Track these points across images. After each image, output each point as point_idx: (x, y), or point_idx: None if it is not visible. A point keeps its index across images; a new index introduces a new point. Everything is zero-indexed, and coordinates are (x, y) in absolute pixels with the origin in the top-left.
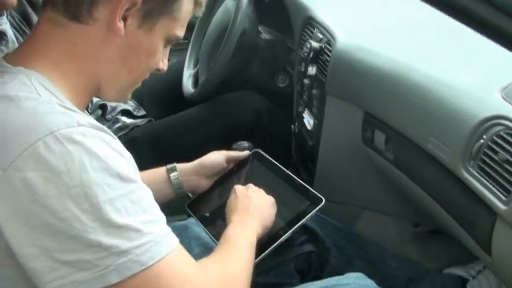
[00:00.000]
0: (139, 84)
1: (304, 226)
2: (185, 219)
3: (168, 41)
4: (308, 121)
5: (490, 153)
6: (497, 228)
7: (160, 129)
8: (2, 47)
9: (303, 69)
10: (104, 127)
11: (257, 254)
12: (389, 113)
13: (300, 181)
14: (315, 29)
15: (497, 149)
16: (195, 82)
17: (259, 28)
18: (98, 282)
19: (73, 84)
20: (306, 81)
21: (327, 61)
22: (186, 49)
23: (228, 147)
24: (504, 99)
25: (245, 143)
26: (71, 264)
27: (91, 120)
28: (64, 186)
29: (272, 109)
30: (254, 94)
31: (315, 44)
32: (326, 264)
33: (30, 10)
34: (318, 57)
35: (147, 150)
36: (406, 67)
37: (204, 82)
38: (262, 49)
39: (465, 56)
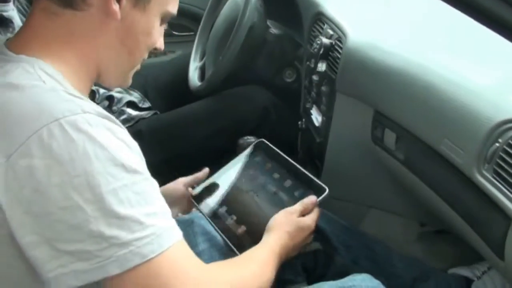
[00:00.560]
0: (139, 67)
1: None
2: (190, 213)
3: (162, 18)
4: (316, 117)
5: (506, 157)
6: (511, 232)
7: (165, 122)
8: (9, 34)
9: (312, 65)
10: (110, 115)
11: (258, 241)
12: (401, 113)
13: (304, 171)
14: (325, 25)
15: None
16: (202, 75)
17: (268, 23)
18: (99, 273)
19: (75, 70)
20: (315, 77)
21: (338, 58)
22: (191, 41)
23: (234, 142)
24: None
25: (251, 138)
26: (72, 253)
27: (96, 107)
28: (67, 175)
29: (279, 104)
30: (261, 89)
31: (325, 41)
32: (332, 262)
33: None
34: (328, 53)
35: (152, 143)
36: (419, 67)
37: (211, 75)
38: (270, 43)
39: (480, 57)
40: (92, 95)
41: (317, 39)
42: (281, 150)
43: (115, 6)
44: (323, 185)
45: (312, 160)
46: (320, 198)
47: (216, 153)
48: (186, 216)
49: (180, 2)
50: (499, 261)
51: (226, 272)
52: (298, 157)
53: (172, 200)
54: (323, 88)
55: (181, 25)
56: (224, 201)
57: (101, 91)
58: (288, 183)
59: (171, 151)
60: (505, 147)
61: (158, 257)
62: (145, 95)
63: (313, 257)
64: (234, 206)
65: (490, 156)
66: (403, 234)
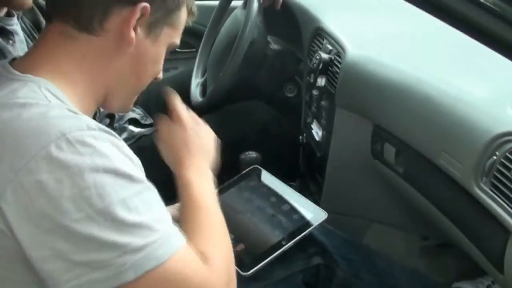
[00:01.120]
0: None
1: (312, 239)
2: None
3: (168, 49)
4: (317, 132)
5: (503, 170)
6: (510, 246)
7: None
8: (8, 46)
9: (312, 80)
10: (113, 132)
11: (257, 263)
12: (400, 127)
13: (303, 196)
14: (325, 40)
15: (510, 166)
16: (203, 91)
17: (268, 38)
18: (115, 280)
19: (81, 92)
20: (315, 92)
21: (337, 72)
22: (193, 58)
23: (235, 158)
24: None
25: (252, 154)
26: (86, 264)
27: (100, 125)
28: (77, 187)
29: (279, 119)
30: (262, 104)
31: (324, 56)
32: (334, 277)
33: (41, 19)
34: (327, 68)
35: (155, 160)
36: (418, 81)
37: (212, 91)
38: (271, 59)
39: (478, 71)
40: (93, 113)
41: (316, 54)
42: (282, 165)
43: (132, 34)
44: (322, 210)
45: (313, 174)
46: (319, 222)
47: (219, 166)
48: None
49: None
50: (499, 274)
51: (216, 251)
52: (299, 172)
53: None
54: (323, 103)
55: (183, 42)
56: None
57: (102, 109)
58: (286, 207)
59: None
60: (502, 160)
61: (170, 258)
62: (148, 111)
63: (315, 272)
64: (231, 225)
65: (488, 169)
66: (406, 248)
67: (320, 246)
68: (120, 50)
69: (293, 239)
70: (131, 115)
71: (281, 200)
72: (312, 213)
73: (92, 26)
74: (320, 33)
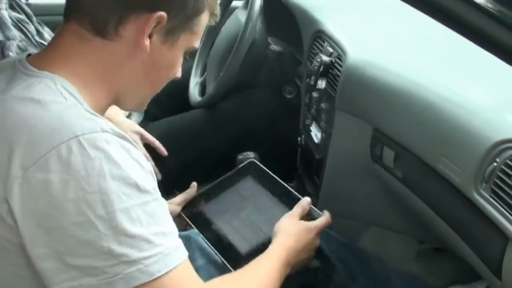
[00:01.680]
0: (154, 94)
1: None
2: (187, 230)
3: (185, 52)
4: (316, 134)
5: (503, 177)
6: (509, 252)
7: (165, 133)
8: None
9: (312, 83)
10: (126, 135)
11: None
12: (399, 131)
13: (299, 195)
14: (325, 43)
15: (511, 173)
16: (202, 91)
17: (268, 39)
18: None
19: (94, 93)
20: (315, 94)
21: (337, 75)
22: (192, 57)
23: (233, 157)
24: None
25: (250, 154)
26: (81, 268)
27: (114, 127)
28: (82, 191)
29: (278, 120)
30: (261, 105)
31: (325, 58)
32: (330, 280)
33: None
34: (328, 71)
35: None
36: (418, 86)
37: (212, 91)
38: (271, 60)
39: (479, 76)
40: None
41: (317, 56)
42: (280, 166)
43: (147, 42)
44: (319, 212)
45: (311, 176)
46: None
47: (217, 165)
48: (184, 233)
49: None
50: (497, 280)
51: None
52: (297, 173)
53: None
54: (323, 105)
55: None
56: (217, 217)
57: None
58: (280, 205)
59: (172, 164)
60: (502, 167)
61: (164, 276)
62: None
63: (312, 275)
64: (227, 222)
65: (488, 176)
66: (402, 251)
67: (317, 249)
68: (134, 56)
69: None
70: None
71: (275, 198)
72: (309, 215)
73: (107, 31)
74: (320, 36)
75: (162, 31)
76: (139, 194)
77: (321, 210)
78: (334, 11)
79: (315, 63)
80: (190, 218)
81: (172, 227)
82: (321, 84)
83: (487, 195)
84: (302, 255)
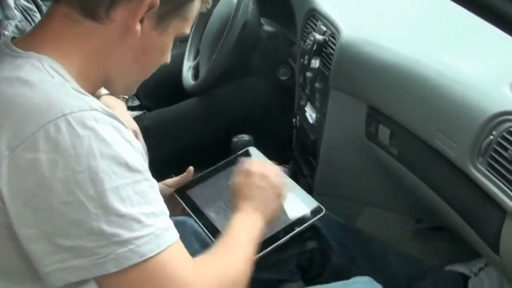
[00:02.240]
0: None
1: None
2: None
3: (176, 38)
4: (310, 114)
5: (500, 150)
6: (506, 227)
7: (164, 120)
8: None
9: (306, 62)
10: (115, 114)
11: None
12: (395, 108)
13: (300, 188)
14: (319, 22)
15: (507, 145)
16: (196, 74)
17: (261, 20)
18: (96, 270)
19: (82, 73)
20: (308, 74)
21: (331, 54)
22: (184, 41)
23: (228, 141)
24: None
25: (245, 137)
26: (70, 249)
27: (103, 105)
28: (71, 170)
29: (273, 102)
30: (255, 86)
31: (318, 37)
32: (328, 261)
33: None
34: (321, 50)
35: (152, 141)
36: (413, 61)
37: (205, 74)
38: (264, 41)
39: (474, 50)
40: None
41: (310, 35)
42: (275, 147)
43: (138, 26)
44: (320, 204)
45: (306, 157)
46: (316, 217)
47: (213, 150)
48: (179, 218)
49: None
50: (495, 256)
51: (217, 269)
52: (293, 154)
53: None
54: (317, 85)
55: None
56: (212, 202)
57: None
58: None
59: (169, 149)
60: (499, 139)
61: (155, 257)
62: (136, 94)
63: (309, 256)
64: (221, 206)
65: (484, 149)
66: (399, 231)
67: (315, 230)
68: (125, 40)
69: (289, 233)
70: None
71: None
72: (309, 207)
73: (98, 14)
74: (313, 14)
75: (154, 16)
76: (130, 173)
77: (317, 190)
78: None
79: (308, 42)
80: (183, 200)
81: (163, 208)
82: (315, 63)
83: (483, 169)
84: (271, 203)
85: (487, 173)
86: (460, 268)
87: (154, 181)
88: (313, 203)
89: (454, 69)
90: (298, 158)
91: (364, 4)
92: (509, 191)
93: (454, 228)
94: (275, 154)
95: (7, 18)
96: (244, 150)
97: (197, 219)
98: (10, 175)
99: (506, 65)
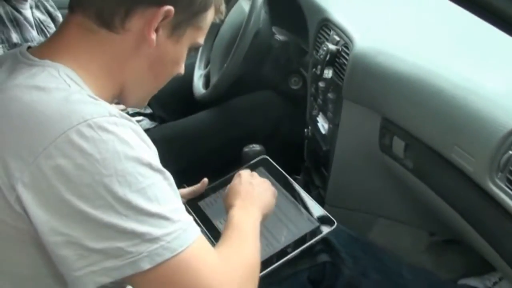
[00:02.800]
0: (157, 90)
1: None
2: None
3: (190, 48)
4: (323, 125)
5: None
6: None
7: (176, 132)
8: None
9: (318, 72)
10: (132, 119)
11: (262, 269)
12: (409, 120)
13: (310, 197)
14: (332, 31)
15: None
16: (206, 83)
17: (273, 29)
18: (130, 269)
19: (98, 84)
20: (321, 84)
21: (344, 64)
22: (195, 50)
23: (239, 151)
24: None
25: (256, 146)
26: (102, 251)
27: (120, 111)
28: (99, 174)
29: (285, 112)
30: (267, 97)
31: (331, 47)
32: (340, 274)
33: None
34: (334, 60)
35: (164, 153)
36: (429, 72)
37: (216, 82)
38: (276, 50)
39: (493, 61)
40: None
41: (323, 45)
42: (287, 158)
43: (153, 36)
44: (331, 217)
45: (318, 168)
46: (328, 231)
47: (226, 162)
48: None
49: None
50: None
51: (237, 258)
52: (304, 165)
53: None
54: (330, 95)
55: None
56: (222, 213)
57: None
58: (294, 210)
59: (183, 161)
60: None
61: (185, 250)
62: (148, 104)
63: (321, 269)
64: None
65: (503, 164)
66: (412, 244)
67: (326, 243)
68: (140, 49)
69: (299, 247)
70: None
71: (289, 202)
72: (321, 220)
73: (113, 24)
74: (326, 24)
75: (169, 25)
76: (154, 173)
77: (329, 203)
78: None
79: (321, 52)
80: (194, 211)
81: (182, 204)
82: (328, 73)
83: (502, 185)
84: (261, 201)
85: (506, 189)
86: (474, 282)
87: (171, 178)
88: (324, 216)
89: (471, 80)
90: (310, 168)
91: (377, 14)
92: None
93: (469, 243)
94: (286, 164)
95: (26, 41)
96: (256, 159)
97: (206, 231)
98: (34, 183)
99: None
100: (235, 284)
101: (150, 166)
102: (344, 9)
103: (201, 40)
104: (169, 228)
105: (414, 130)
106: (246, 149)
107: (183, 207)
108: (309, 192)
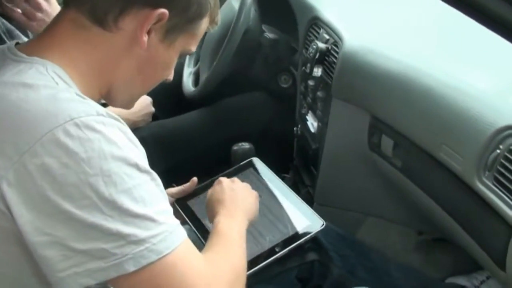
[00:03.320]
0: (144, 93)
1: None
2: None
3: (181, 54)
4: (312, 123)
5: (507, 164)
6: None
7: (168, 131)
8: None
9: (308, 70)
10: (120, 118)
11: (250, 268)
12: (398, 118)
13: (301, 200)
14: (321, 30)
15: None
16: (196, 81)
17: (263, 27)
18: (114, 271)
19: (86, 82)
20: (310, 82)
21: (334, 62)
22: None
23: (228, 149)
24: None
25: (245, 145)
26: (86, 252)
27: (108, 110)
28: (84, 173)
29: (274, 110)
30: (256, 95)
31: (321, 45)
32: (328, 273)
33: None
34: (324, 58)
35: (154, 151)
36: (418, 71)
37: (205, 80)
38: (265, 48)
39: (481, 60)
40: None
41: (312, 43)
42: (276, 156)
43: (145, 37)
44: (320, 217)
45: (307, 166)
46: (317, 231)
47: (216, 162)
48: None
49: None
50: (500, 271)
51: (223, 263)
52: (293, 164)
53: None
54: (319, 94)
55: None
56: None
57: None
58: (283, 210)
59: (172, 160)
60: (506, 153)
61: (171, 253)
62: None
63: (309, 267)
64: None
65: (491, 163)
66: (401, 242)
67: (315, 241)
68: (131, 50)
69: (287, 247)
70: None
71: (278, 202)
72: (310, 220)
73: (106, 21)
74: (316, 22)
75: (162, 29)
76: (140, 173)
77: (318, 201)
78: None
79: (310, 50)
80: (183, 210)
81: (169, 206)
82: (317, 71)
83: (490, 184)
84: (245, 206)
85: (494, 187)
86: (461, 280)
87: (159, 179)
88: (313, 216)
89: (460, 79)
90: (299, 167)
91: (367, 12)
92: None
93: (457, 242)
94: (275, 162)
95: None
96: (246, 161)
97: (195, 230)
98: (19, 182)
99: None
100: (222, 285)
101: (137, 166)
102: (334, 8)
103: (193, 47)
104: (155, 230)
105: (403, 129)
106: (235, 148)
107: (170, 209)
108: (298, 191)
